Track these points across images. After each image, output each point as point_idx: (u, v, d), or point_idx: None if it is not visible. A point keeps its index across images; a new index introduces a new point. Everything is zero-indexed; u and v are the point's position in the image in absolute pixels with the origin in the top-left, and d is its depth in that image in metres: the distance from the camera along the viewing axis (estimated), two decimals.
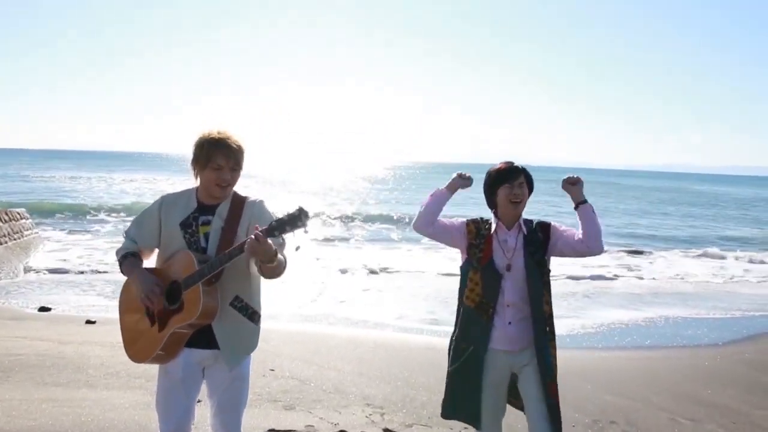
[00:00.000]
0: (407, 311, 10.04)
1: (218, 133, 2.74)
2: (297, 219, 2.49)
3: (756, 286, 14.22)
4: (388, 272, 14.17)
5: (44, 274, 12.43)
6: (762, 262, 17.69)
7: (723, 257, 18.74)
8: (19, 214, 14.84)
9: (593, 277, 13.70)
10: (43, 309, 8.62)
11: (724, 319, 10.18)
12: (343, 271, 13.95)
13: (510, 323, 3.10)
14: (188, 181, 2.98)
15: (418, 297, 11.31)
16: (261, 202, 2.86)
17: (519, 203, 3.12)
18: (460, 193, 3.28)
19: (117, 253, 2.89)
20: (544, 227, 3.19)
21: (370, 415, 4.89)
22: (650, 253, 19.40)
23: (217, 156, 2.69)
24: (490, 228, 3.17)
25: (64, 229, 19.76)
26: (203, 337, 2.72)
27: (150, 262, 2.91)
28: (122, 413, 4.59)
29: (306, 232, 2.52)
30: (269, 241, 2.51)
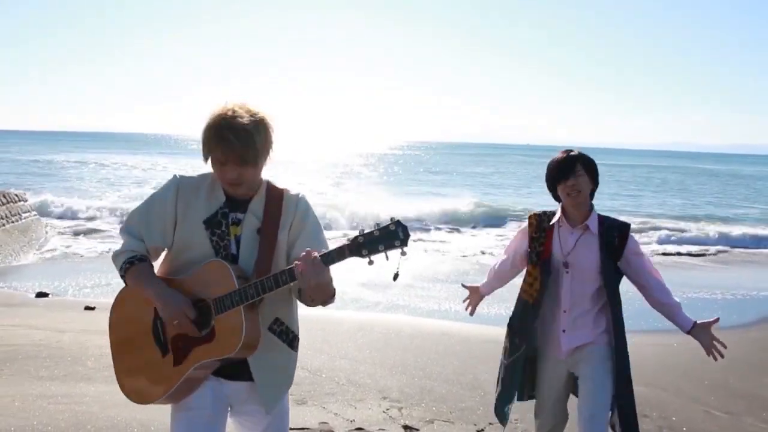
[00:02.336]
0: (421, 294, 9.70)
1: (227, 112, 2.06)
2: (393, 235, 1.90)
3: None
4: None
5: (43, 257, 12.12)
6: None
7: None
8: (17, 195, 14.49)
9: None
10: (40, 294, 8.30)
11: (736, 300, 9.85)
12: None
13: (564, 331, 2.89)
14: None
15: (433, 279, 10.96)
16: (303, 197, 2.25)
17: (577, 196, 2.81)
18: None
19: (116, 257, 2.20)
20: (623, 232, 2.90)
21: (388, 409, 4.58)
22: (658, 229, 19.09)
23: (217, 148, 2.06)
24: (551, 221, 2.94)
25: (63, 214, 19.39)
26: (235, 366, 2.14)
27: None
28: (123, 410, 4.26)
29: (404, 253, 1.92)
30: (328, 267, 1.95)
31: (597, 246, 2.85)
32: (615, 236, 2.86)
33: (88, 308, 7.43)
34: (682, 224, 20.41)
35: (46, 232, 15.03)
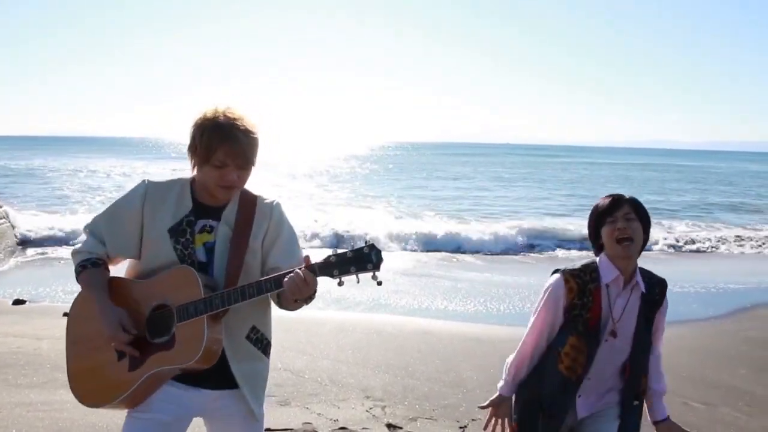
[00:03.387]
0: (403, 293, 9.72)
1: (226, 115, 2.04)
2: (366, 259, 1.88)
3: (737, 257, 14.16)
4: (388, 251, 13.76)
5: (17, 263, 11.94)
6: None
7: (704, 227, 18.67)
8: None
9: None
10: (17, 302, 8.18)
11: (712, 292, 10.02)
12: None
13: (580, 396, 2.48)
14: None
15: (413, 275, 10.99)
16: (278, 204, 2.23)
17: (628, 242, 2.34)
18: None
19: (74, 255, 2.18)
20: (662, 288, 2.51)
21: (371, 408, 4.60)
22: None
23: (220, 149, 2.01)
24: (597, 279, 2.40)
25: (36, 216, 19.08)
26: (209, 375, 2.08)
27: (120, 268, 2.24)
28: (104, 417, 4.23)
29: (375, 278, 1.90)
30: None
31: (638, 308, 2.43)
32: (657, 293, 2.48)
33: (66, 314, 7.28)
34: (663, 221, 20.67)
35: (17, 237, 14.79)
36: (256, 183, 2.28)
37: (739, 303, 9.05)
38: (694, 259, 14.01)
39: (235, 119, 2.04)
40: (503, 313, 8.19)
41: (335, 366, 5.61)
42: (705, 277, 11.20)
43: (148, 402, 2.09)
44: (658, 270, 2.59)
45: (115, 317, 2.03)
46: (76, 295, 2.28)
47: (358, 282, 1.90)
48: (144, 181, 2.21)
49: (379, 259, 1.89)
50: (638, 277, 2.42)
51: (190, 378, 2.09)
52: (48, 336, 6.27)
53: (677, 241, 15.71)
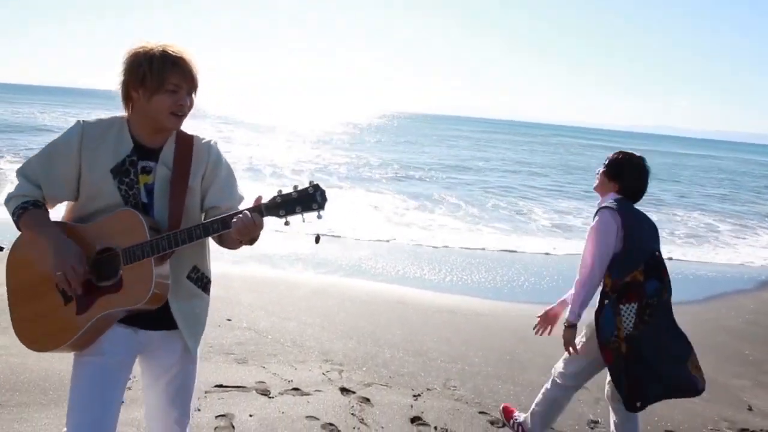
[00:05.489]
0: (384, 258, 9.70)
1: (166, 47, 2.03)
2: (311, 199, 1.89)
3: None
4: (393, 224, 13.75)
5: None
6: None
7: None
8: None
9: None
10: None
11: (686, 278, 10.02)
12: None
13: None
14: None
15: (393, 245, 10.96)
16: (215, 144, 2.24)
17: None
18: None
19: (8, 201, 2.10)
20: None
21: (328, 372, 4.59)
22: None
23: (173, 74, 2.02)
24: None
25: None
26: (150, 315, 2.10)
27: (56, 213, 2.17)
28: (58, 363, 4.22)
29: (320, 217, 1.91)
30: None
31: None
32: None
33: None
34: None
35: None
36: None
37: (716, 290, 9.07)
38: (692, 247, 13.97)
39: (178, 48, 2.06)
40: (484, 286, 8.17)
41: (300, 328, 5.59)
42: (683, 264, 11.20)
43: (98, 343, 2.09)
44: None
45: (69, 249, 2.00)
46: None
47: (303, 221, 1.92)
48: (79, 121, 2.15)
49: (324, 199, 1.90)
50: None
51: (132, 319, 2.11)
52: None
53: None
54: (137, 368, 2.31)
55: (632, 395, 3.14)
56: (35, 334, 2.11)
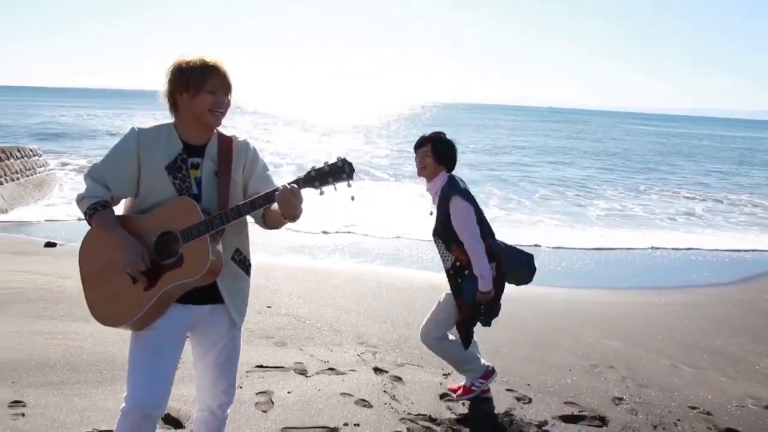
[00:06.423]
0: (421, 247, 9.89)
1: (203, 56, 2.40)
2: (341, 171, 2.22)
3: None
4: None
5: (55, 210, 12.49)
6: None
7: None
8: (31, 150, 14.84)
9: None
10: (49, 244, 8.64)
11: (720, 259, 9.94)
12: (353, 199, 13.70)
13: None
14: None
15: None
16: (251, 142, 2.60)
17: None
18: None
19: (80, 201, 2.42)
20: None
21: (362, 353, 4.83)
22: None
23: (211, 77, 2.37)
24: None
25: (77, 167, 19.78)
26: (199, 293, 2.40)
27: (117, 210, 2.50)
28: (111, 347, 4.57)
29: (349, 185, 2.24)
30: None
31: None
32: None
33: (49, 244, 7.77)
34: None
35: (60, 186, 15.42)
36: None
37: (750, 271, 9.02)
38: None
39: (214, 57, 2.42)
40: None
41: (337, 314, 5.85)
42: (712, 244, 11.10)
43: (154, 323, 2.37)
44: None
45: (138, 248, 2.31)
46: None
47: (335, 190, 2.24)
48: (133, 128, 2.51)
49: (352, 170, 2.22)
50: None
51: (185, 297, 2.39)
52: (72, 276, 6.65)
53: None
54: (187, 347, 2.57)
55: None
56: (109, 312, 2.38)
